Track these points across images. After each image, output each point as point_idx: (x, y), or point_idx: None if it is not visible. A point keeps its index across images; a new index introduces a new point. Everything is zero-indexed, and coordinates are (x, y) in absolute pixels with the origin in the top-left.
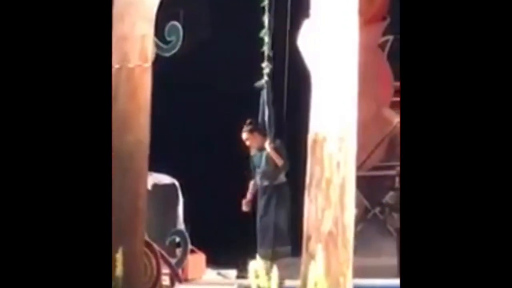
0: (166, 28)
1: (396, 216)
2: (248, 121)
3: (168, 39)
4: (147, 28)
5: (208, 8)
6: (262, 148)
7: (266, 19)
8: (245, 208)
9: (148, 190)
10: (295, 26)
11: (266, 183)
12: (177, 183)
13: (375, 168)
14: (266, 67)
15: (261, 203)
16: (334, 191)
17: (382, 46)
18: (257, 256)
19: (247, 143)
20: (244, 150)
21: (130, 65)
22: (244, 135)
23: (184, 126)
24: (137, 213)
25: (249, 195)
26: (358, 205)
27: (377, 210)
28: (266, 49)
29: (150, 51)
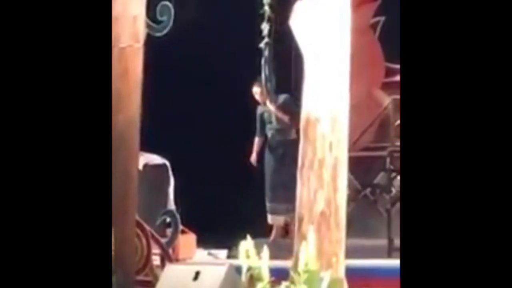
0: (158, 8)
1: (387, 197)
2: (258, 77)
3: (160, 19)
4: (139, 8)
5: None
6: None
7: None
8: (254, 163)
9: (139, 170)
10: None
11: (278, 138)
12: (168, 164)
13: (366, 149)
14: (264, 28)
15: (272, 159)
16: (326, 172)
17: (373, 27)
18: (268, 215)
19: (256, 97)
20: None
21: (122, 45)
22: (254, 89)
23: (175, 106)
24: (128, 194)
25: (255, 152)
26: (349, 186)
27: (367, 191)
28: (266, 10)
29: (141, 31)
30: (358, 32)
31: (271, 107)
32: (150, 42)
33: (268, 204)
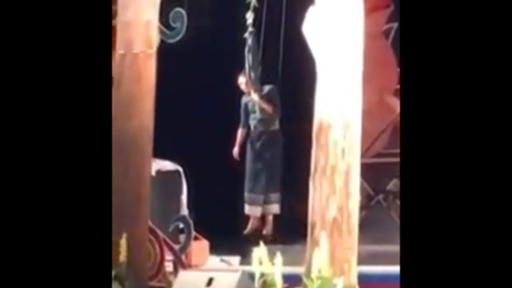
0: (171, 14)
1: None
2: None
3: (173, 25)
4: (152, 14)
5: None
6: None
7: None
8: (236, 156)
9: (152, 176)
10: None
11: (260, 129)
12: (181, 170)
13: (379, 155)
14: (249, 17)
15: (254, 149)
16: (339, 178)
17: (386, 33)
18: (246, 205)
19: (242, 87)
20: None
21: (135, 51)
22: (240, 79)
23: (189, 112)
24: (140, 199)
25: (237, 144)
26: (362, 192)
27: (380, 197)
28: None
29: (154, 37)
30: (371, 38)
31: (255, 97)
32: (163, 48)
33: (246, 194)
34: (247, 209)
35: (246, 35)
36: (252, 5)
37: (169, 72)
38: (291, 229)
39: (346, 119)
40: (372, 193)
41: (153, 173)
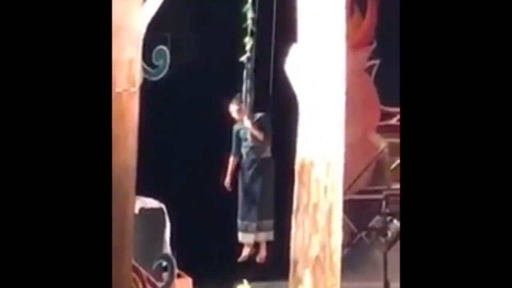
0: (154, 52)
1: (383, 240)
2: (237, 94)
3: (156, 63)
4: (135, 52)
5: (195, 31)
6: None
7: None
8: (228, 187)
9: (135, 214)
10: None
11: (252, 156)
12: (164, 207)
13: (362, 192)
14: (247, 42)
15: (246, 176)
16: (321, 216)
17: (368, 70)
18: (239, 232)
19: (233, 115)
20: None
21: (118, 90)
22: (231, 107)
23: (172, 149)
24: (124, 237)
25: (229, 173)
26: (344, 229)
27: (363, 234)
28: (249, 24)
29: (137, 76)
30: (353, 75)
31: (247, 123)
32: (146, 86)
33: (239, 222)
34: (241, 236)
35: (244, 59)
36: (249, 29)
37: (151, 109)
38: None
39: (329, 157)
40: (355, 230)
41: (136, 211)
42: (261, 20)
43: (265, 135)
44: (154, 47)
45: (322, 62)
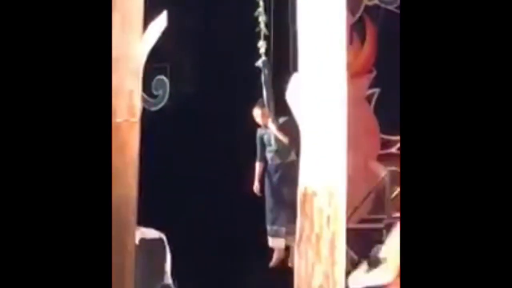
0: (153, 82)
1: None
2: (259, 99)
3: (155, 93)
4: (135, 83)
5: (195, 62)
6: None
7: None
8: (257, 192)
9: (135, 245)
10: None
11: (278, 161)
12: (164, 238)
13: (362, 221)
14: (261, 46)
15: (273, 181)
16: (324, 246)
17: (368, 98)
18: (269, 237)
19: (257, 120)
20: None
21: (118, 120)
22: (255, 111)
23: (172, 180)
24: (124, 268)
25: (257, 178)
26: (346, 257)
27: (364, 263)
28: (262, 27)
29: (137, 106)
30: (353, 103)
31: (272, 127)
32: (146, 116)
33: (268, 227)
34: (271, 241)
35: (260, 64)
36: (262, 33)
37: (151, 139)
38: None
39: (331, 186)
40: (356, 258)
41: (137, 241)
42: (276, 24)
43: (291, 139)
44: (154, 77)
45: (323, 91)
